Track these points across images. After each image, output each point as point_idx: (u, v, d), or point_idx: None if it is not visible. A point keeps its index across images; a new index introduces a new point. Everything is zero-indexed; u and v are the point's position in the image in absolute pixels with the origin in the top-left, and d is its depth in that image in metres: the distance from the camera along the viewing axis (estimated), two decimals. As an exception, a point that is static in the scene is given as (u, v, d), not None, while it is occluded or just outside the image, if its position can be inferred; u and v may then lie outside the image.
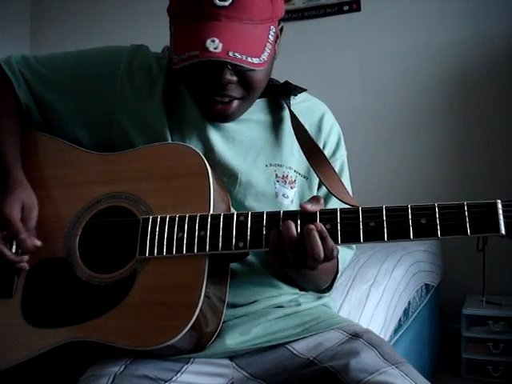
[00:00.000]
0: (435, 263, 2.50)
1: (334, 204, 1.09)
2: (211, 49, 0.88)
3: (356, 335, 1.01)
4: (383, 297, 1.79)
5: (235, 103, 1.00)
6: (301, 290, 1.13)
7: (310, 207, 0.89)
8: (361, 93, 2.93)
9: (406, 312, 2.00)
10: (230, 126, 1.07)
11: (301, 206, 0.89)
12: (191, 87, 1.00)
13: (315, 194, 1.13)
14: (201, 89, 0.98)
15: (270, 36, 0.95)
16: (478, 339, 2.40)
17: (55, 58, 1.13)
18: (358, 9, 2.94)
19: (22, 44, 3.66)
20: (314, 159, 1.07)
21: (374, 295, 1.74)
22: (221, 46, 0.88)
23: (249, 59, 0.90)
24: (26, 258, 0.99)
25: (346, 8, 2.96)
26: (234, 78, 0.96)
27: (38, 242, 1.00)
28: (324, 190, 1.12)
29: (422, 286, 2.28)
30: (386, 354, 0.95)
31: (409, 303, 2.05)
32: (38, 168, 1.08)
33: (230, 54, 0.88)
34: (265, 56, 0.93)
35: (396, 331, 1.86)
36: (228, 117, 1.02)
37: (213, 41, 0.88)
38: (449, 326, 2.63)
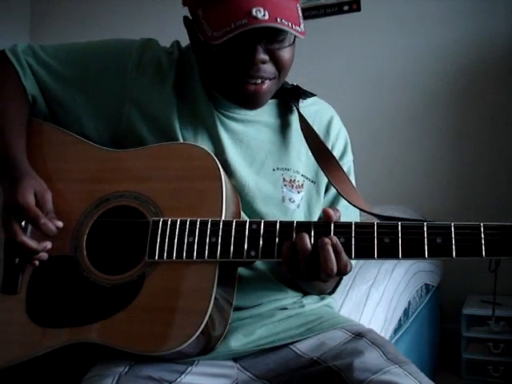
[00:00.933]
0: (435, 263, 2.50)
1: (343, 206, 1.08)
2: (259, 16, 0.88)
3: (359, 335, 1.01)
4: (383, 297, 1.79)
5: (267, 83, 0.98)
6: (304, 294, 1.13)
7: (333, 214, 0.87)
8: (360, 93, 2.92)
9: (405, 312, 2.00)
10: (238, 127, 1.06)
11: (324, 210, 0.88)
12: (223, 70, 0.97)
13: (323, 198, 1.12)
14: (233, 70, 0.96)
15: (299, 12, 0.96)
16: (478, 339, 2.40)
17: (63, 48, 1.11)
18: (358, 9, 2.93)
19: (22, 40, 3.66)
20: (323, 161, 1.06)
21: (373, 295, 1.74)
22: (267, 13, 0.88)
23: (294, 27, 0.90)
24: (49, 245, 0.96)
25: (345, 8, 2.96)
26: (267, 57, 0.95)
27: (60, 223, 0.97)
28: (332, 193, 1.12)
29: (422, 286, 2.28)
30: (390, 353, 0.95)
31: (409, 303, 2.05)
32: (44, 160, 1.05)
33: (279, 20, 0.89)
34: (303, 27, 0.93)
35: (396, 331, 1.86)
36: (260, 98, 0.99)
37: (259, 10, 0.88)
38: (449, 326, 2.62)
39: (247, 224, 0.89)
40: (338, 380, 0.91)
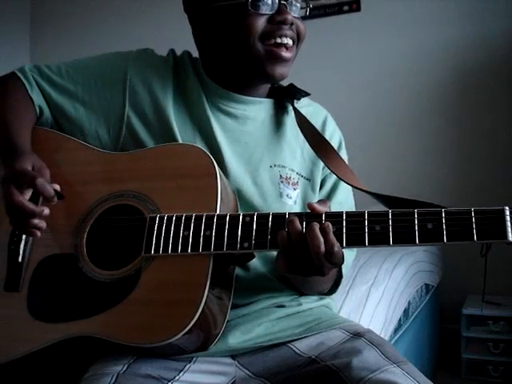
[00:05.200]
0: (435, 263, 2.50)
1: (337, 203, 1.11)
2: None
3: (357, 334, 1.01)
4: (383, 297, 1.79)
5: (293, 50, 1.05)
6: (302, 294, 1.13)
7: (318, 207, 0.88)
8: (360, 93, 2.93)
9: (405, 312, 2.00)
10: (235, 126, 1.09)
11: (308, 205, 0.89)
12: (257, 29, 1.01)
13: (318, 195, 1.14)
14: (268, 29, 1.01)
15: None
16: (478, 339, 2.40)
17: (65, 65, 1.16)
18: (358, 9, 2.94)
19: (22, 44, 3.66)
20: (321, 150, 1.08)
21: (373, 295, 1.74)
22: None
23: None
24: (46, 210, 0.95)
25: (345, 8, 2.96)
26: (293, 20, 1.02)
27: (57, 186, 0.99)
28: (326, 189, 1.14)
29: (422, 286, 2.28)
30: (388, 352, 0.95)
31: (409, 303, 2.05)
32: (47, 165, 1.06)
33: None
34: None
35: (396, 331, 1.86)
36: (286, 65, 1.04)
37: None
38: (449, 326, 2.63)
39: (240, 217, 0.91)
40: (336, 379, 0.91)
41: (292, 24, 1.02)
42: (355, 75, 2.95)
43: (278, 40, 1.02)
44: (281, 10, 1.01)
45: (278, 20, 1.01)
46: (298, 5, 1.04)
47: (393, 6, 2.87)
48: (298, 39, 1.05)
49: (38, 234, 0.96)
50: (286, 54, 1.03)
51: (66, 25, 3.60)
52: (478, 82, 2.70)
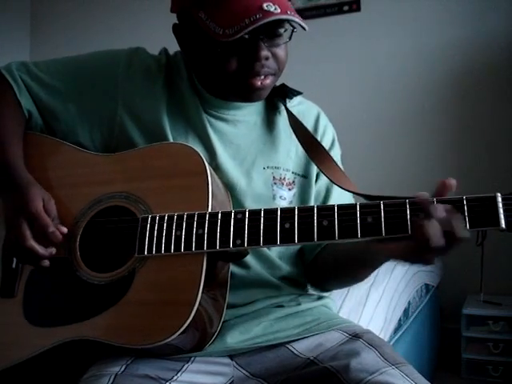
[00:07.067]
0: (435, 263, 2.50)
1: (335, 195, 1.12)
2: (272, 10, 0.93)
3: (356, 336, 1.01)
4: (383, 297, 1.79)
5: (270, 78, 1.02)
6: (322, 290, 1.15)
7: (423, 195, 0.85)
8: (360, 93, 2.93)
9: (405, 312, 2.00)
10: (228, 129, 1.08)
11: (416, 195, 0.85)
12: (228, 69, 0.99)
13: (315, 189, 1.14)
14: (239, 68, 0.99)
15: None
16: (478, 339, 2.40)
17: (54, 63, 1.14)
18: (358, 9, 2.94)
19: (22, 44, 3.66)
20: (313, 152, 1.08)
21: (373, 295, 1.74)
22: (278, 7, 0.94)
23: (300, 20, 0.96)
24: (54, 251, 0.98)
25: (345, 8, 2.96)
26: (269, 54, 1.00)
27: (65, 229, 0.98)
28: (324, 182, 1.14)
29: (422, 285, 2.28)
30: (387, 354, 0.95)
31: (409, 303, 2.05)
32: (40, 169, 1.08)
33: (289, 12, 0.95)
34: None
35: (396, 331, 1.86)
36: (264, 92, 1.04)
37: (269, 4, 0.94)
38: (449, 326, 2.62)
39: (232, 214, 0.91)
40: (335, 381, 0.91)
41: (267, 58, 0.99)
42: (355, 75, 2.95)
43: (251, 78, 1.00)
44: (253, 47, 0.97)
45: (250, 59, 0.98)
46: (280, 32, 1.00)
47: (393, 6, 2.87)
48: (278, 68, 1.03)
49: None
50: (262, 83, 1.01)
51: (66, 24, 3.60)
52: (478, 82, 2.70)
